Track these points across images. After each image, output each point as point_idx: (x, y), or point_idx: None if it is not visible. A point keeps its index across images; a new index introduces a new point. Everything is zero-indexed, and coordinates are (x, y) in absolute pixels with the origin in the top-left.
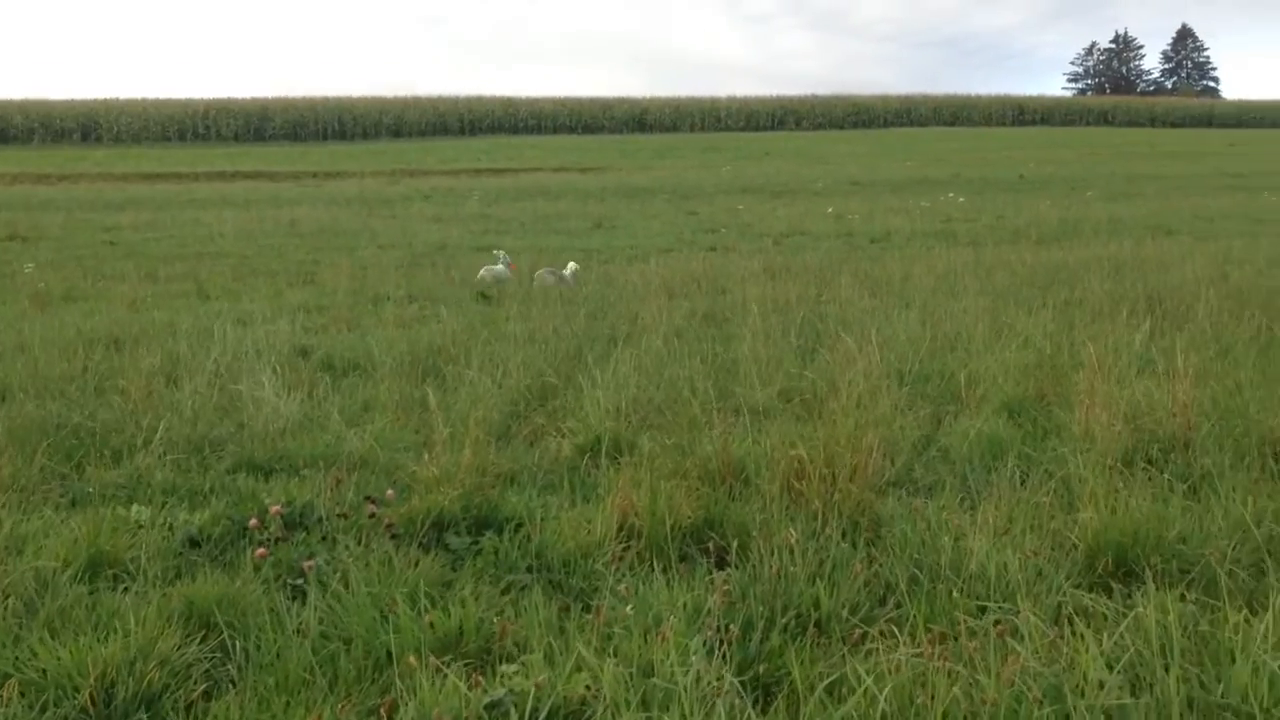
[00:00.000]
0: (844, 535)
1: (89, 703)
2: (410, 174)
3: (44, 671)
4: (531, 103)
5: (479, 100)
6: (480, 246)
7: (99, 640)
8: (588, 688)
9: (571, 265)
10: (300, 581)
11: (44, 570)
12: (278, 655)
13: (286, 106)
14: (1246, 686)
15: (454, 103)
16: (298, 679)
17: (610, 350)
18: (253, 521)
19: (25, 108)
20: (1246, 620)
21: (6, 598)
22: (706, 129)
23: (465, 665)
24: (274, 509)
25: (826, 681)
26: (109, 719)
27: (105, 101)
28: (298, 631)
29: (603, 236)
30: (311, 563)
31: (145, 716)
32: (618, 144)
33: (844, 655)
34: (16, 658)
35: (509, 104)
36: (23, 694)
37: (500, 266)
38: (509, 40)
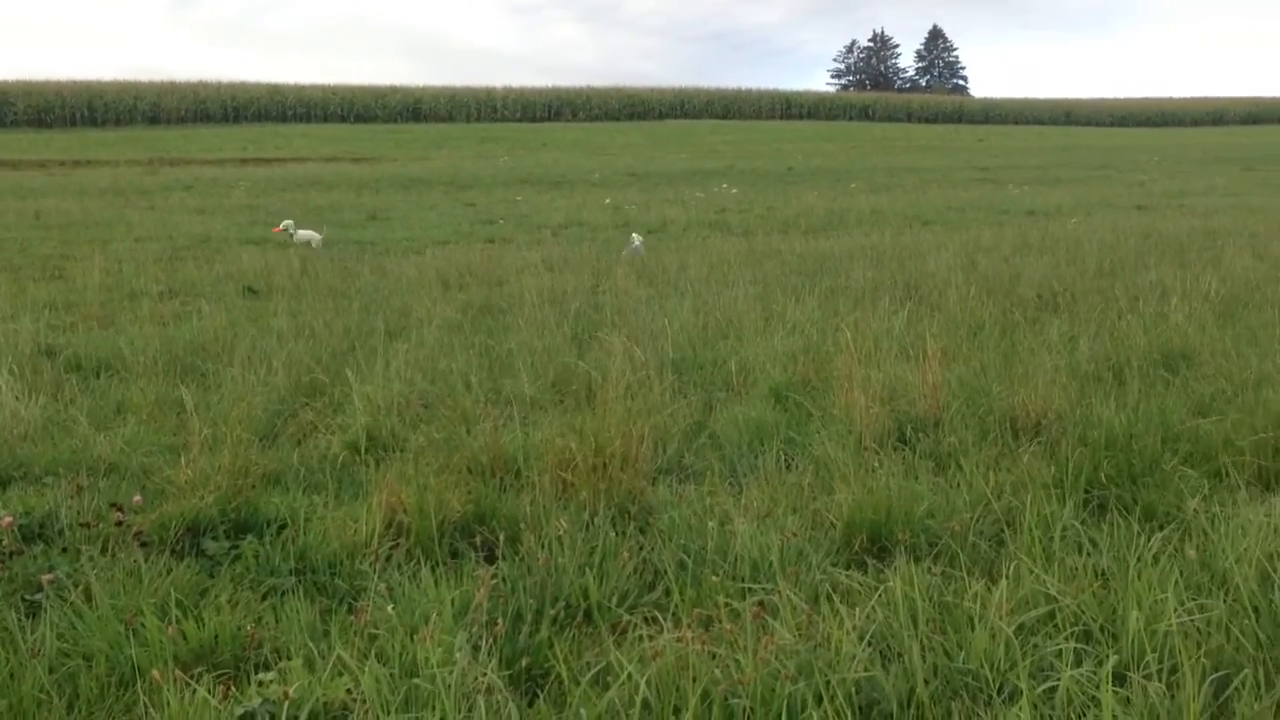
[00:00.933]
0: (614, 524)
1: None
2: (170, 163)
3: None
4: (299, 90)
5: (243, 86)
6: (248, 239)
7: None
8: (349, 692)
9: (636, 236)
10: (38, 597)
11: None
12: (10, 677)
13: (30, 90)
14: (984, 652)
15: (216, 88)
16: (32, 701)
17: (383, 344)
18: None
19: None
20: (986, 588)
21: None
22: (483, 119)
23: (219, 676)
24: (6, 521)
25: (592, 672)
26: None
27: None
28: (32, 651)
29: (378, 228)
30: (51, 576)
31: None
32: (392, 134)
33: (611, 644)
34: None
35: (275, 91)
36: None
37: (636, 244)
38: (272, 25)
